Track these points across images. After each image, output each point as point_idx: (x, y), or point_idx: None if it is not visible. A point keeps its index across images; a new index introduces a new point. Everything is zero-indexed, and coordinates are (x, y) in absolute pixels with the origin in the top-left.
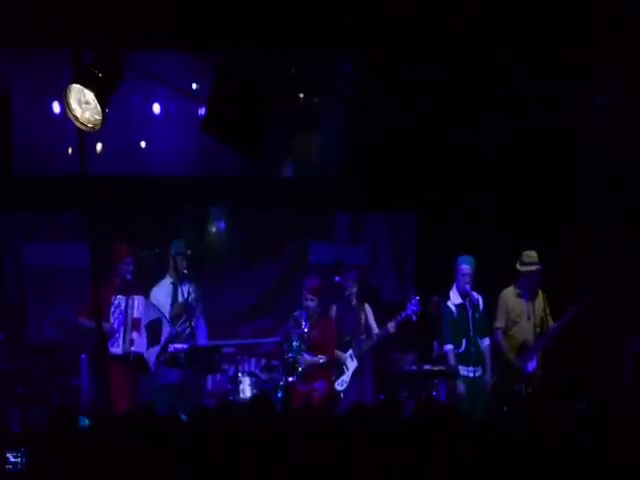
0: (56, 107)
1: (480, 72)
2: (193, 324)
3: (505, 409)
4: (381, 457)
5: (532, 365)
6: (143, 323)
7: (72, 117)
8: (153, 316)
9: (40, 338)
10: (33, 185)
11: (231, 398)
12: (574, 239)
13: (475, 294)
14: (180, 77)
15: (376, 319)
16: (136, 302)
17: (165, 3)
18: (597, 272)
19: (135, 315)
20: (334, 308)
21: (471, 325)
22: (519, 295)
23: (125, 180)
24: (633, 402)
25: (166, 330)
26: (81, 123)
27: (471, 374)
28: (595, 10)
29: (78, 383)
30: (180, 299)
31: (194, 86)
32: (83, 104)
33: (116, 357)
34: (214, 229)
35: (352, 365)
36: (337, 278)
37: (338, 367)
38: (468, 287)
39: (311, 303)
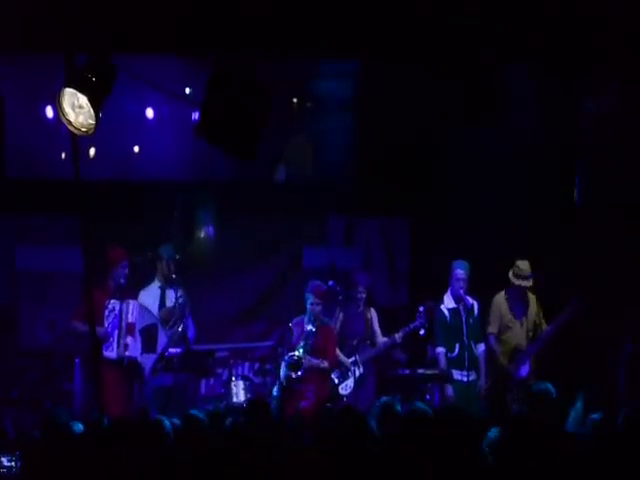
0: (49, 111)
1: (475, 73)
2: (183, 327)
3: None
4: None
5: (525, 370)
6: (137, 328)
7: (65, 121)
8: (148, 321)
9: (33, 342)
10: (26, 188)
11: (224, 402)
12: (569, 242)
13: (470, 299)
14: (173, 81)
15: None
16: (131, 307)
17: (159, 7)
18: (590, 274)
19: (130, 320)
20: (339, 312)
21: (465, 330)
22: (510, 303)
23: (118, 184)
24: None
25: (163, 339)
26: (74, 127)
27: (465, 378)
28: (590, 13)
29: (71, 387)
30: (168, 303)
31: (187, 90)
32: (76, 108)
33: (110, 361)
34: (205, 233)
35: (357, 371)
36: (331, 282)
37: (343, 372)
38: (462, 292)
39: (317, 307)
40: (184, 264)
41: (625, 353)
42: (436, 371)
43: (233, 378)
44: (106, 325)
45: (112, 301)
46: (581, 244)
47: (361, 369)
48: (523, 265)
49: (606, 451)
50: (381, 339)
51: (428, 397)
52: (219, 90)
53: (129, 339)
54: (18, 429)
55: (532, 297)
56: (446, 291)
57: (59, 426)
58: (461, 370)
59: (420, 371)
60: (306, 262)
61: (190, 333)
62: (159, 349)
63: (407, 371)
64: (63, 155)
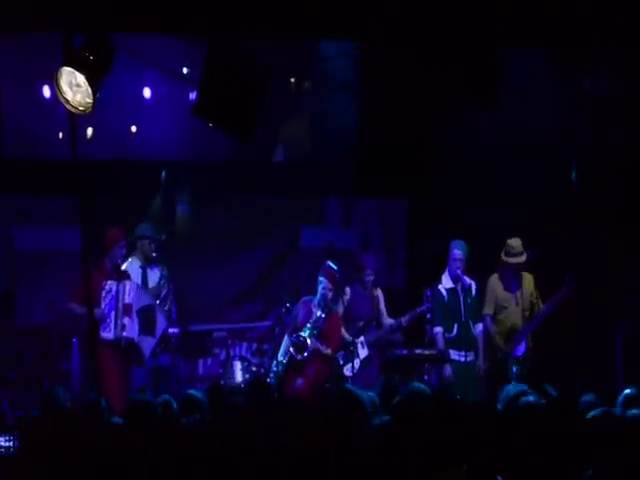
0: (47, 91)
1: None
2: (169, 307)
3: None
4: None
5: (521, 349)
6: (135, 309)
7: (63, 100)
8: (145, 302)
9: (30, 321)
10: (23, 168)
11: (222, 382)
12: (566, 224)
13: (467, 279)
14: (171, 61)
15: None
16: (127, 287)
17: None
18: (588, 255)
19: (126, 300)
20: (348, 292)
21: (463, 310)
22: (505, 283)
23: (116, 164)
24: None
25: (162, 322)
26: (72, 106)
27: (462, 359)
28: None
29: (69, 367)
30: (150, 283)
31: (185, 70)
32: (74, 87)
33: (107, 342)
34: (181, 213)
35: (363, 353)
36: (327, 262)
37: (348, 353)
38: (460, 272)
39: (329, 293)
40: (166, 243)
41: (621, 336)
42: (434, 351)
43: (231, 358)
44: (103, 306)
45: (109, 282)
46: (578, 226)
47: (366, 350)
48: (514, 242)
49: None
50: (387, 320)
51: (426, 377)
52: (217, 70)
53: (126, 320)
54: (15, 409)
55: (528, 276)
56: (444, 271)
57: (57, 406)
58: (459, 350)
59: (418, 351)
60: (304, 242)
61: (173, 314)
62: (158, 332)
63: (405, 351)
64: (61, 135)
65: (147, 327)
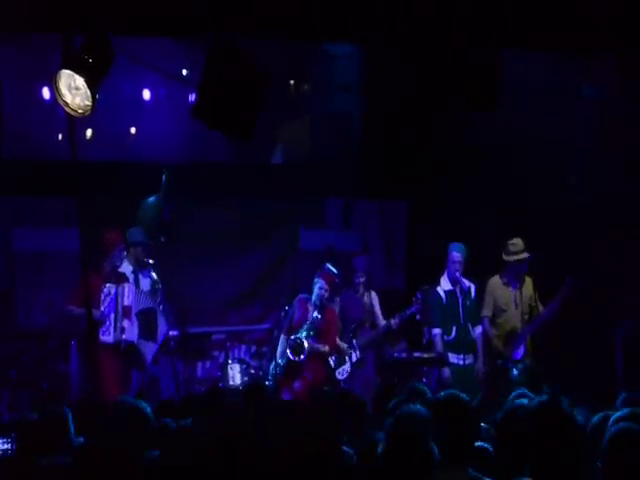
0: (46, 93)
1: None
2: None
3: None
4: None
5: (520, 352)
6: (134, 311)
7: (62, 103)
8: (144, 304)
9: (29, 323)
10: (22, 169)
11: (221, 385)
12: (566, 225)
13: (466, 281)
14: (170, 63)
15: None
16: (126, 290)
17: None
18: (588, 256)
19: (125, 303)
20: (337, 298)
21: (461, 312)
22: (506, 283)
23: (115, 166)
24: None
25: (163, 327)
26: (71, 109)
27: (461, 362)
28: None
29: (67, 369)
30: (144, 288)
31: (184, 72)
32: (73, 90)
33: (107, 345)
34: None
35: (354, 355)
36: (327, 265)
37: (340, 356)
38: (458, 274)
39: (325, 293)
40: (162, 247)
41: (622, 335)
42: (433, 354)
43: (229, 361)
44: (102, 309)
45: (107, 285)
46: (578, 227)
47: (358, 353)
48: (515, 240)
49: None
50: (382, 322)
51: (425, 380)
52: (216, 72)
53: (125, 322)
54: (14, 410)
55: (528, 280)
56: (442, 274)
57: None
58: (458, 353)
59: (417, 354)
60: (303, 245)
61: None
62: (160, 337)
63: (404, 354)
64: (60, 136)
65: (147, 331)
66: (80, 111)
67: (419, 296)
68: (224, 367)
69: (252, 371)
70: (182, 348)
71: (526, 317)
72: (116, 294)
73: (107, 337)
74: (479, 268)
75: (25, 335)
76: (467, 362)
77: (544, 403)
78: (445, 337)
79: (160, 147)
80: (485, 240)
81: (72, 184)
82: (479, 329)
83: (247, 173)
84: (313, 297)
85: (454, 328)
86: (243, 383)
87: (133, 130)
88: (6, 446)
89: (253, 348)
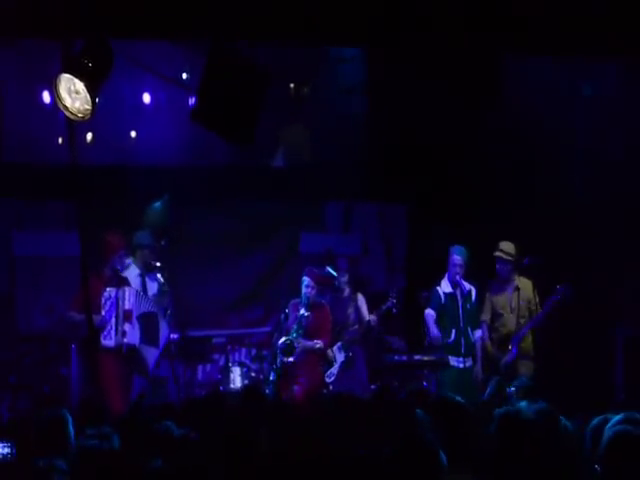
0: (46, 96)
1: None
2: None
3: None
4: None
5: (511, 356)
6: (135, 315)
7: (62, 107)
8: (145, 308)
9: (30, 327)
10: (23, 173)
11: (221, 388)
12: (566, 227)
13: (467, 285)
14: (170, 66)
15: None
16: (127, 293)
17: None
18: (587, 259)
19: (126, 306)
20: (327, 298)
21: (461, 315)
22: (502, 287)
23: (115, 169)
24: None
25: (164, 331)
26: (71, 113)
27: (461, 364)
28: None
29: (68, 372)
30: (151, 291)
31: (184, 75)
32: (73, 94)
33: (109, 349)
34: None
35: (340, 357)
36: (327, 268)
37: (328, 360)
38: (459, 277)
39: (312, 290)
40: (184, 248)
41: (622, 337)
42: (433, 357)
43: (230, 364)
44: (103, 313)
45: (108, 289)
46: (578, 229)
47: (343, 355)
48: (507, 243)
49: None
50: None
51: (425, 384)
52: (216, 75)
53: (127, 326)
54: (14, 414)
55: (527, 282)
56: (443, 276)
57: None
58: (457, 356)
59: (417, 357)
60: (303, 248)
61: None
62: (161, 342)
63: (404, 357)
64: (60, 140)
65: (149, 335)
66: (80, 115)
67: (394, 291)
68: (225, 370)
69: (253, 374)
70: (182, 351)
71: (522, 321)
72: (117, 298)
73: (109, 341)
74: (480, 271)
75: (26, 339)
76: (467, 365)
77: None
78: (445, 340)
79: (160, 150)
80: (485, 243)
81: (72, 187)
82: (478, 333)
83: (247, 176)
84: (301, 296)
85: (453, 331)
86: (244, 386)
87: (133, 134)
88: (6, 450)
89: (253, 351)
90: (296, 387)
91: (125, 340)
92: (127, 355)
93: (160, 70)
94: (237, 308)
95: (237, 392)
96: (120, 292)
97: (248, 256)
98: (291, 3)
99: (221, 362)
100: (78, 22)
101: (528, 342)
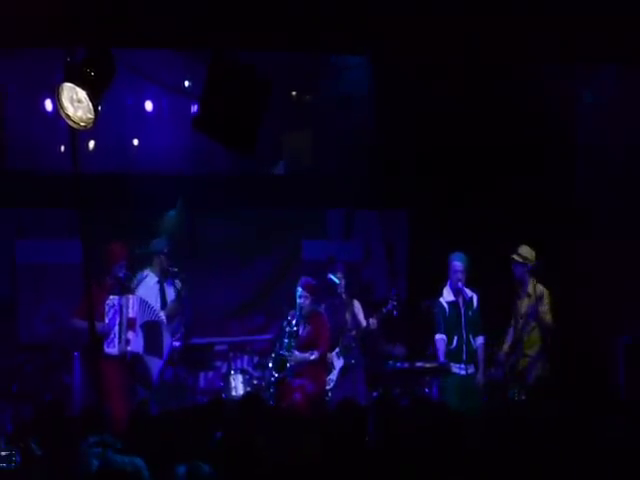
0: (49, 104)
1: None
2: (184, 319)
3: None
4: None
5: (498, 373)
6: (138, 323)
7: (64, 115)
8: (149, 316)
9: (31, 335)
10: (25, 180)
11: (223, 395)
12: (567, 233)
13: (469, 291)
14: (173, 74)
15: (365, 316)
16: (131, 301)
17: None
18: (589, 265)
19: (130, 315)
20: (323, 306)
21: (463, 322)
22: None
23: (117, 177)
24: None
25: (168, 341)
26: (73, 121)
27: (463, 371)
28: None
29: (70, 381)
30: (169, 297)
31: (187, 83)
32: (75, 102)
33: (112, 357)
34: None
35: (338, 363)
36: (329, 275)
37: (329, 366)
38: (460, 284)
39: (305, 300)
40: (186, 256)
41: (623, 344)
42: (435, 364)
43: (232, 371)
44: (106, 321)
45: (111, 297)
46: (580, 235)
47: (341, 360)
48: (525, 247)
49: None
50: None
51: (427, 390)
52: (218, 84)
53: (130, 334)
54: (17, 422)
55: (543, 291)
56: (445, 284)
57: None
58: (459, 363)
59: (419, 364)
60: (306, 255)
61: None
62: (165, 352)
63: (406, 364)
64: (62, 148)
65: (153, 344)
66: (82, 124)
67: (393, 292)
68: (226, 378)
69: (255, 382)
70: (185, 359)
71: (528, 328)
72: (120, 305)
73: (112, 349)
74: (481, 277)
75: (27, 347)
76: (469, 372)
77: None
78: (447, 347)
79: (162, 158)
80: (487, 248)
81: (75, 195)
82: (480, 339)
83: (249, 184)
84: (296, 308)
85: (455, 338)
86: (246, 393)
87: (135, 142)
88: (10, 458)
89: (255, 359)
90: (296, 395)
91: (129, 348)
92: (131, 363)
93: (162, 78)
94: (239, 315)
95: (238, 400)
96: (124, 300)
97: (250, 263)
98: (292, 11)
99: (223, 369)
100: (80, 31)
101: (535, 341)
